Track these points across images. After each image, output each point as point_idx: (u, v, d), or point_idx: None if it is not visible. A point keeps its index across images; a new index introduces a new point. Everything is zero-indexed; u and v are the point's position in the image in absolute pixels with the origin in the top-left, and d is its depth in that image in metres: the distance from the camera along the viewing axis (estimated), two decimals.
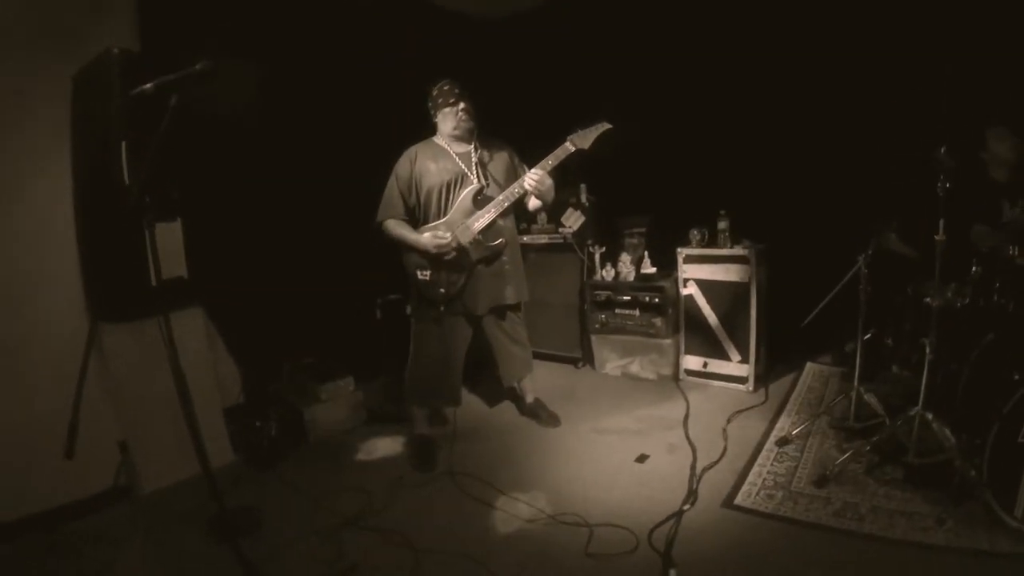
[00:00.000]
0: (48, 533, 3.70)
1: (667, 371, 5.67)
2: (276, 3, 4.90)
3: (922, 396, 3.53)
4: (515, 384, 4.91)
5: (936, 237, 3.43)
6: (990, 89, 4.31)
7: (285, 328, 5.32)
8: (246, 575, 2.87)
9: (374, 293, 5.60)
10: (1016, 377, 3.06)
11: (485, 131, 4.39)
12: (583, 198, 6.15)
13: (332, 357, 5.41)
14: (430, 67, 4.41)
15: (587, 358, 6.21)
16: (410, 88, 4.50)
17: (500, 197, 4.11)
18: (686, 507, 3.52)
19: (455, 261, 4.12)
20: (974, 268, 3.65)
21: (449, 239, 4.07)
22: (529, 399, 4.99)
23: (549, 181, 4.08)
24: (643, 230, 6.04)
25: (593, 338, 6.07)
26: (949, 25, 4.46)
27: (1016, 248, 3.53)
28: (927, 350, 3.50)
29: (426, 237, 4.08)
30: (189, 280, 4.01)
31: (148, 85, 2.71)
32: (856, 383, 4.23)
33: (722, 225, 5.29)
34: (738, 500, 3.58)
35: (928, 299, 3.58)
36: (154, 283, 3.52)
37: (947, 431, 3.41)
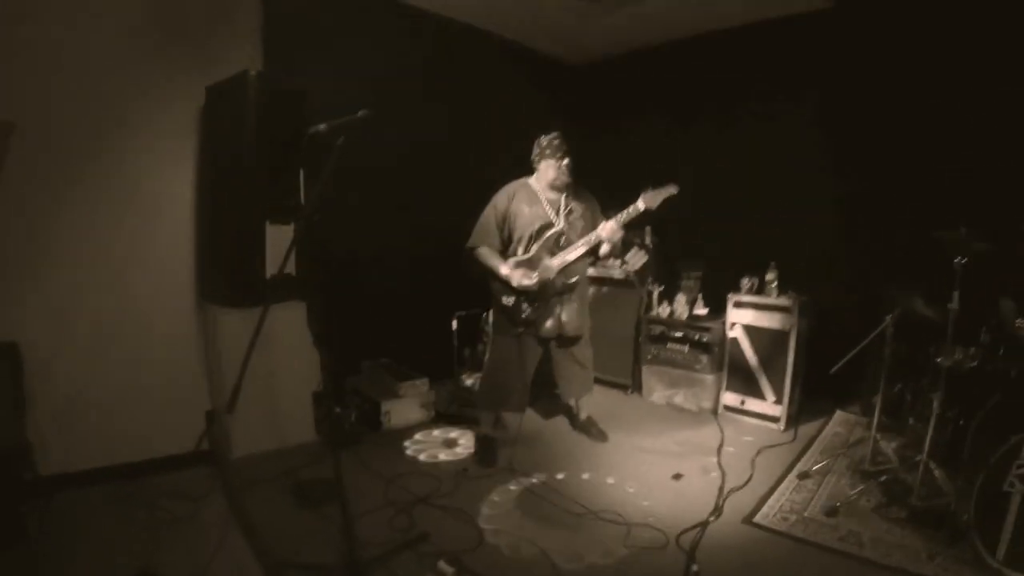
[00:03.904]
0: (130, 482, 4.23)
1: (708, 404, 6.13)
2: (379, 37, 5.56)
3: (927, 446, 3.94)
4: (572, 402, 5.45)
5: (949, 306, 3.91)
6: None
7: (366, 329, 5.87)
8: (343, 529, 3.33)
9: (450, 307, 6.09)
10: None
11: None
12: (647, 239, 6.68)
13: (407, 359, 6.01)
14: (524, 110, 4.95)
15: (636, 386, 6.68)
16: (506, 130, 5.10)
17: (579, 243, 4.65)
18: (711, 519, 4.06)
19: (535, 292, 4.66)
20: (983, 335, 4.10)
21: (534, 280, 4.61)
22: (583, 416, 5.48)
23: (621, 233, 4.61)
24: (699, 274, 6.54)
25: (644, 368, 6.55)
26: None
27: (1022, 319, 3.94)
28: (934, 405, 3.94)
29: (517, 274, 4.62)
30: (296, 277, 4.46)
31: (323, 126, 3.17)
32: (874, 431, 4.66)
33: (770, 276, 5.80)
34: (757, 518, 4.09)
35: (939, 360, 4.02)
36: (269, 276, 3.97)
37: (947, 478, 3.85)
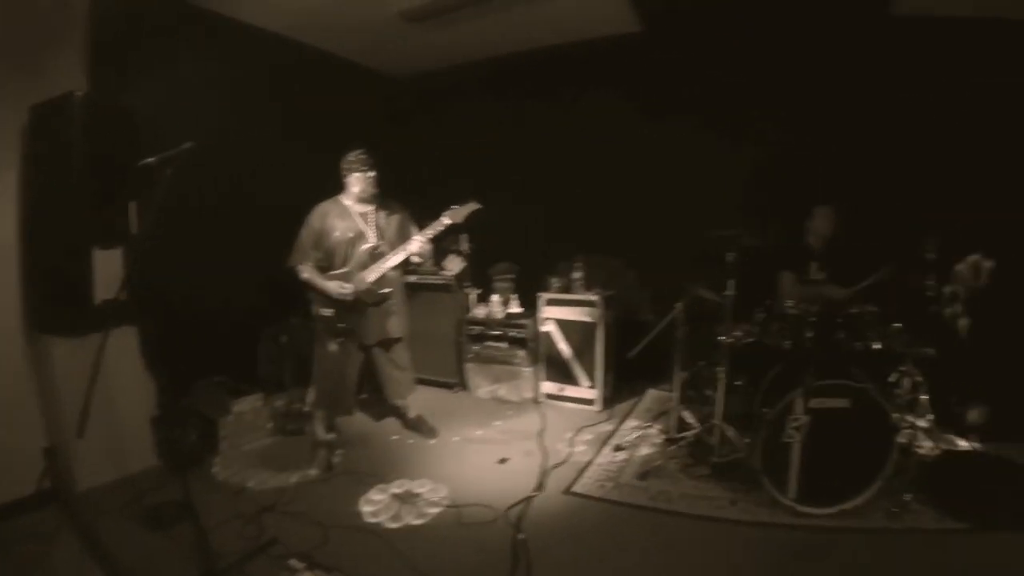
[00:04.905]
0: None
1: (529, 394, 6.53)
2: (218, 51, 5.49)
3: (719, 410, 4.56)
4: (398, 402, 5.64)
5: (724, 293, 4.53)
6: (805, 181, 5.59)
7: (199, 349, 5.70)
8: (197, 543, 3.47)
9: (279, 321, 6.24)
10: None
11: (383, 194, 5.14)
12: (464, 246, 7.05)
13: (241, 376, 5.99)
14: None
15: (462, 383, 6.97)
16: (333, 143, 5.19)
17: (391, 255, 4.91)
18: (535, 493, 4.44)
19: (352, 302, 4.88)
20: (756, 315, 4.71)
21: (349, 290, 4.83)
22: (411, 415, 5.69)
23: (429, 246, 4.95)
24: (512, 276, 6.91)
25: (467, 366, 6.87)
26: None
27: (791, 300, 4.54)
28: (721, 376, 4.54)
29: (332, 285, 4.83)
30: (127, 301, 4.12)
31: (152, 159, 3.28)
32: (676, 403, 5.23)
33: (577, 275, 6.31)
34: (575, 488, 4.52)
35: (720, 338, 4.60)
36: (98, 302, 3.97)
37: (739, 436, 4.41)
